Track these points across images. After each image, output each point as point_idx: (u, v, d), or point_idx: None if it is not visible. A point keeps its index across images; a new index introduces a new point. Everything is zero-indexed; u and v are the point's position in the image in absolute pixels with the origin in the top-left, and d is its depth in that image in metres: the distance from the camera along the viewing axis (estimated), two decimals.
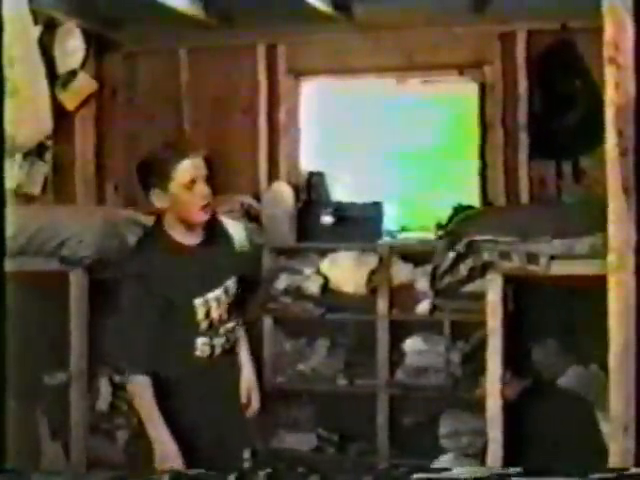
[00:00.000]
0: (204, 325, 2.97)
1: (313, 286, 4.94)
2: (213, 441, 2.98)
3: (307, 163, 5.29)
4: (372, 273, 4.87)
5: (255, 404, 3.24)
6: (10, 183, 4.25)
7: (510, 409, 3.72)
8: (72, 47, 4.78)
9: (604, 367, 3.14)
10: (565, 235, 3.48)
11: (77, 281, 4.00)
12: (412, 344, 4.83)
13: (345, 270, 4.90)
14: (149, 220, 3.31)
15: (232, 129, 5.27)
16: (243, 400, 3.21)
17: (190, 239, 2.97)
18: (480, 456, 4.05)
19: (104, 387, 4.58)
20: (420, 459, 4.47)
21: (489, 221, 3.83)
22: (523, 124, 4.83)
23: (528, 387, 4.01)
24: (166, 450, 2.82)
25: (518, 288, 4.11)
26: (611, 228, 2.95)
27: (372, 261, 4.88)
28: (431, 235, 4.91)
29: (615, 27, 2.87)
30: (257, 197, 5.12)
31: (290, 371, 5.03)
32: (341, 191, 5.24)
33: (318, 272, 4.97)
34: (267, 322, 5.05)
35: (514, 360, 3.83)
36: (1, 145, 2.72)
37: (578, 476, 2.31)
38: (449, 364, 4.73)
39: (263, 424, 4.64)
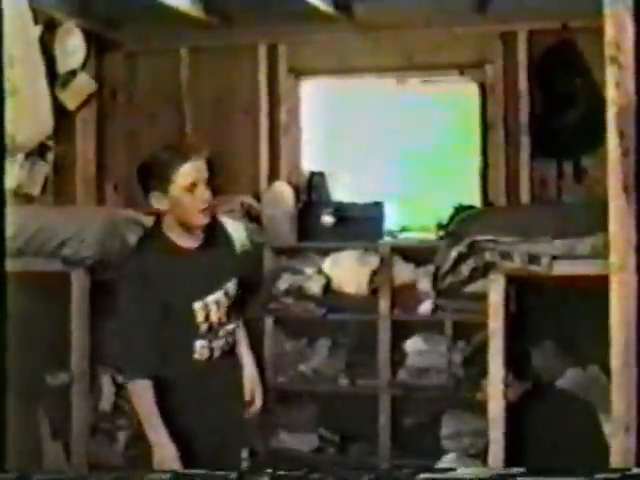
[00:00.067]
0: (203, 328, 2.96)
1: (315, 286, 4.93)
2: (212, 443, 2.97)
3: (308, 163, 5.29)
4: (374, 273, 4.87)
5: (258, 402, 3.24)
6: (10, 183, 4.25)
7: (511, 410, 3.72)
8: (72, 47, 4.77)
9: (604, 368, 3.14)
10: (566, 235, 3.48)
11: (78, 281, 4.00)
12: (414, 344, 4.83)
13: (347, 270, 4.90)
14: (149, 220, 3.30)
15: (233, 129, 5.26)
16: (247, 398, 3.21)
17: (189, 242, 2.95)
18: (482, 457, 4.04)
19: (107, 387, 4.58)
20: (422, 459, 4.47)
21: (490, 221, 3.83)
22: (524, 124, 4.83)
23: (529, 389, 4.00)
24: (165, 454, 2.81)
25: (520, 290, 4.10)
26: (612, 228, 2.95)
27: (373, 261, 4.88)
28: (432, 235, 4.91)
29: (616, 26, 2.86)
30: (258, 197, 5.12)
31: (291, 371, 5.03)
32: (342, 191, 5.23)
33: (320, 272, 4.97)
34: (268, 322, 5.05)
35: (515, 362, 3.82)
36: (1, 145, 2.72)
37: (581, 476, 2.30)
38: (451, 364, 4.73)
39: (264, 424, 4.64)
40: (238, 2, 4.80)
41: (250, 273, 3.77)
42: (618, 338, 2.94)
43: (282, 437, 4.97)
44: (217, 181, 3.04)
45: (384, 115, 5.29)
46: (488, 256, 3.56)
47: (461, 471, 2.47)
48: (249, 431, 4.27)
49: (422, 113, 5.27)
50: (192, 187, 2.85)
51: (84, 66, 4.95)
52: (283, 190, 5.06)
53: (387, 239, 5.00)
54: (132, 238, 3.77)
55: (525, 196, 4.85)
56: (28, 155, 4.56)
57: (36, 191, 4.72)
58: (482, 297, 3.74)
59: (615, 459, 2.96)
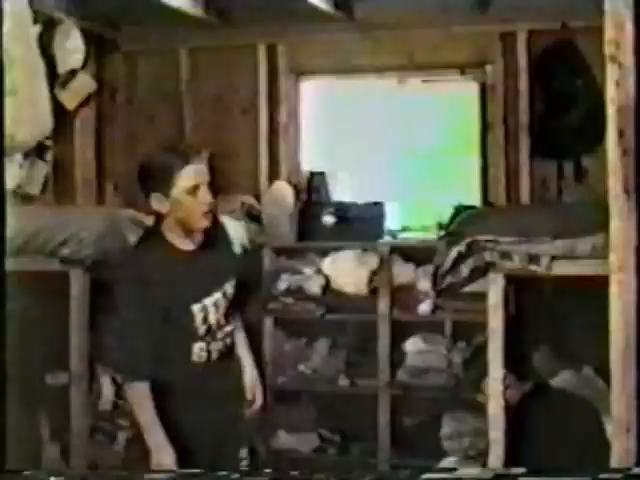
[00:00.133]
0: (202, 330, 2.95)
1: (314, 286, 4.93)
2: (211, 444, 2.97)
3: (308, 163, 5.28)
4: (373, 273, 4.87)
5: (259, 400, 3.24)
6: (10, 183, 4.25)
7: (512, 410, 3.71)
8: (72, 47, 4.76)
9: (598, 369, 3.14)
10: (566, 235, 3.48)
11: (78, 281, 4.00)
12: (413, 344, 4.83)
13: (346, 270, 4.89)
14: (149, 220, 3.30)
15: (232, 129, 5.26)
16: (248, 397, 3.21)
17: (188, 244, 2.94)
18: (482, 457, 4.04)
19: (107, 386, 4.57)
20: (422, 460, 4.47)
21: (490, 221, 3.82)
22: (524, 124, 4.82)
23: (528, 391, 3.99)
24: (163, 457, 2.82)
25: (519, 291, 4.10)
26: (613, 228, 2.95)
27: (373, 261, 4.87)
28: (432, 235, 4.91)
29: (616, 26, 2.86)
30: (258, 197, 5.11)
31: (291, 371, 5.02)
32: (342, 191, 5.23)
33: (319, 272, 4.97)
34: (268, 322, 5.04)
35: (515, 363, 3.82)
36: (1, 145, 2.72)
37: (583, 476, 2.30)
38: (450, 364, 4.73)
39: (264, 424, 4.64)
40: (238, 2, 4.80)
41: (249, 273, 3.76)
42: (618, 338, 2.94)
43: (282, 437, 4.97)
44: (217, 181, 3.04)
45: (384, 115, 5.29)
46: (488, 256, 3.56)
47: (464, 471, 2.46)
48: (249, 431, 4.27)
49: (422, 113, 5.27)
50: (194, 190, 2.84)
51: (83, 66, 4.94)
52: (283, 190, 5.06)
53: (387, 239, 4.99)
54: (132, 238, 3.77)
55: (525, 196, 4.85)
56: (27, 155, 4.56)
57: (36, 191, 4.72)
58: (482, 297, 3.74)
59: (615, 459, 2.96)
